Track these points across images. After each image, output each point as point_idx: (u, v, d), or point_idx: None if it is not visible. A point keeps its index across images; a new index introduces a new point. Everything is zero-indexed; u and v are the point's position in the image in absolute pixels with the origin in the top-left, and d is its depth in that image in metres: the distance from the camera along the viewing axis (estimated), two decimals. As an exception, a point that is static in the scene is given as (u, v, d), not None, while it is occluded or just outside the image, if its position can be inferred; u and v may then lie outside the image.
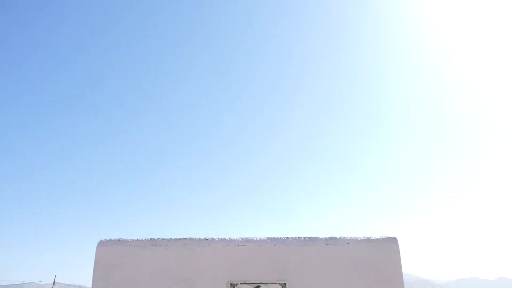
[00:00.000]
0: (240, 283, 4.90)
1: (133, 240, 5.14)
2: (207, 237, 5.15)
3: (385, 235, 5.27)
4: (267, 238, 5.14)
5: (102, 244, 5.13)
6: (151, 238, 5.17)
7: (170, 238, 5.13)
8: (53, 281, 21.71)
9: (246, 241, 5.10)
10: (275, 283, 4.91)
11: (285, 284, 4.90)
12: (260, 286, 4.90)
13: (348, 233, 5.44)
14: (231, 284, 4.90)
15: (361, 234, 5.32)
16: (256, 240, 5.11)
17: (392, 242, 5.16)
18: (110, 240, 5.19)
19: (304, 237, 5.16)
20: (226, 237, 5.13)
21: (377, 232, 6.04)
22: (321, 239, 5.15)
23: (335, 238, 5.16)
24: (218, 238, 5.14)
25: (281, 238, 5.15)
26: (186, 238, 5.13)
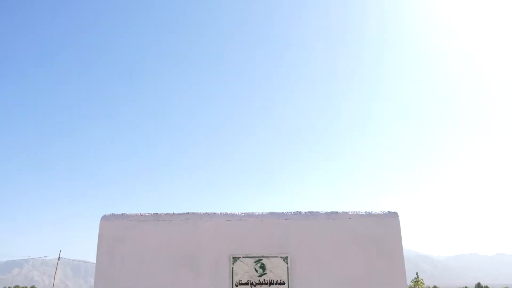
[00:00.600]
0: (242, 257, 4.96)
1: (136, 215, 5.19)
2: (209, 212, 5.20)
3: (386, 210, 5.31)
4: (269, 212, 5.18)
5: (105, 218, 5.18)
6: (154, 213, 5.22)
7: (173, 213, 5.18)
8: (58, 256, 21.97)
9: (248, 215, 5.15)
10: (277, 257, 4.97)
11: (286, 257, 4.97)
12: (262, 259, 4.96)
13: (349, 208, 5.48)
14: (233, 257, 4.96)
15: (362, 209, 5.37)
16: (258, 214, 5.16)
17: (392, 216, 5.20)
18: (113, 215, 5.24)
19: (305, 212, 5.20)
20: (228, 212, 5.17)
21: (378, 208, 6.07)
22: (322, 213, 5.19)
23: (336, 212, 5.20)
24: (220, 213, 5.18)
25: (282, 212, 5.19)
26: (188, 213, 5.17)
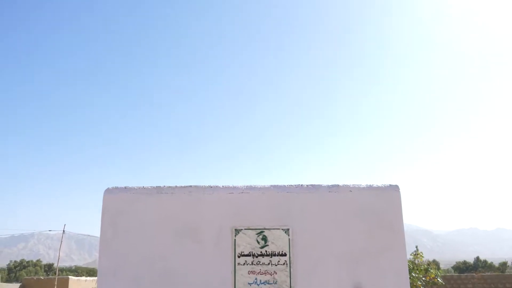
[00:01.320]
0: (244, 229, 5.02)
1: (139, 188, 5.23)
2: (211, 185, 5.23)
3: (387, 183, 5.34)
4: (271, 185, 5.22)
5: (109, 191, 5.23)
6: (156, 186, 5.25)
7: (176, 186, 5.21)
8: (62, 230, 22.25)
9: (250, 188, 5.18)
10: (278, 229, 5.03)
11: (288, 229, 5.03)
12: (263, 231, 5.02)
13: (350, 182, 5.51)
14: (235, 229, 5.02)
15: (363, 183, 5.39)
16: (260, 187, 5.19)
17: (393, 189, 5.23)
18: (116, 188, 5.28)
19: (307, 185, 5.23)
20: (230, 185, 5.21)
21: (380, 182, 6.09)
22: (324, 186, 5.22)
23: (338, 185, 5.23)
24: (223, 186, 5.22)
25: (284, 185, 5.23)
26: (191, 186, 5.21)
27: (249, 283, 4.91)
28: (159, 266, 4.95)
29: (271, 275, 4.93)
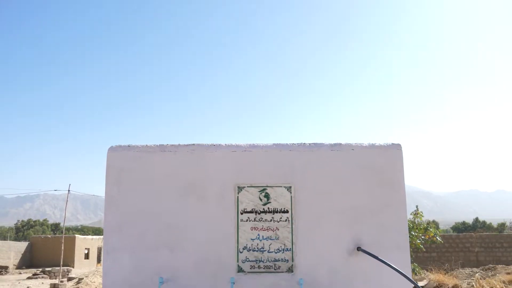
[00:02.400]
0: (247, 186, 5.09)
1: (142, 146, 5.27)
2: (214, 143, 5.26)
3: (389, 142, 5.35)
4: (273, 144, 5.24)
5: (112, 149, 5.26)
6: (160, 144, 5.28)
7: (179, 144, 5.24)
8: (67, 189, 22.55)
9: (253, 147, 5.21)
10: (281, 186, 5.09)
11: (290, 187, 5.09)
12: (266, 188, 5.09)
13: (353, 141, 5.53)
14: (238, 187, 5.09)
15: (365, 141, 5.40)
16: (263, 146, 5.22)
17: (396, 148, 5.25)
18: (120, 146, 5.31)
19: (309, 143, 5.25)
20: (233, 143, 5.23)
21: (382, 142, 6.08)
22: (326, 145, 5.24)
23: (340, 144, 5.25)
24: (225, 144, 5.24)
25: (286, 144, 5.25)
26: (194, 144, 5.24)
27: (251, 239, 5.02)
28: (163, 222, 5.05)
29: (273, 231, 5.04)
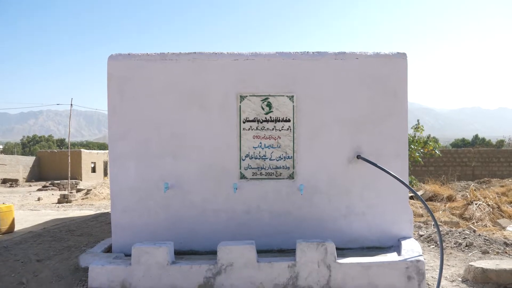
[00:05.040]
0: (249, 95, 5.08)
1: (143, 54, 5.18)
2: (216, 52, 5.16)
3: (394, 51, 5.25)
4: (276, 52, 5.14)
5: (112, 58, 5.19)
6: (160, 53, 5.19)
7: (180, 53, 5.15)
8: (70, 103, 22.59)
9: (255, 55, 5.12)
10: (283, 95, 5.08)
11: (292, 96, 5.08)
12: (268, 98, 5.08)
13: (357, 50, 5.41)
14: (240, 96, 5.08)
15: (370, 50, 5.29)
16: (265, 54, 5.12)
17: (401, 57, 5.16)
18: (120, 55, 5.23)
19: (313, 52, 5.16)
20: (235, 52, 5.14)
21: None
22: (330, 53, 5.14)
23: (344, 53, 5.15)
24: (228, 53, 5.15)
25: (290, 52, 5.15)
26: (195, 53, 5.15)
27: (254, 147, 5.11)
28: (166, 131, 5.11)
29: (275, 139, 5.11)
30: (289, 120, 5.09)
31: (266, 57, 5.10)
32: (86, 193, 18.27)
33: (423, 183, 14.91)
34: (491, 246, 6.10)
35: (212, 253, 4.78)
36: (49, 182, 26.81)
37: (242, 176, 5.13)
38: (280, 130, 5.10)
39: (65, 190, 22.16)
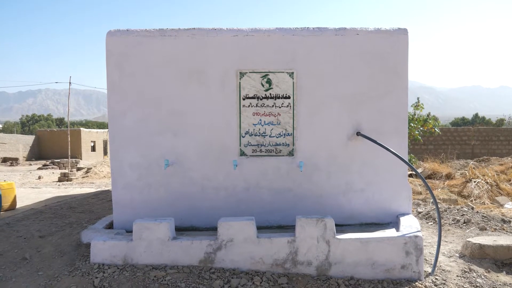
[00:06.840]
0: (249, 72, 5.05)
1: (141, 30, 5.13)
2: (215, 27, 5.11)
3: (395, 27, 5.19)
4: (276, 28, 5.09)
5: (111, 34, 5.13)
6: (159, 29, 5.14)
7: (179, 29, 5.10)
8: (68, 82, 22.43)
9: (255, 31, 5.07)
10: (283, 72, 5.05)
11: (292, 73, 5.05)
12: (268, 74, 5.05)
13: (358, 25, 5.34)
14: (240, 72, 5.05)
15: (371, 26, 5.24)
16: (265, 30, 5.07)
17: (402, 33, 5.10)
18: (119, 31, 5.18)
19: (313, 28, 5.10)
20: (235, 28, 5.09)
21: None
22: (331, 29, 5.09)
23: (345, 28, 5.10)
24: (227, 29, 5.10)
25: (290, 28, 5.10)
26: (194, 28, 5.09)
27: (253, 124, 5.10)
28: (166, 107, 5.10)
29: (275, 116, 5.10)
30: (289, 97, 5.07)
31: (266, 33, 5.05)
32: (87, 172, 18.32)
33: (422, 161, 14.97)
34: (489, 223, 6.16)
35: (212, 229, 4.83)
36: (49, 161, 26.89)
37: (242, 153, 5.14)
38: (280, 107, 5.08)
39: (65, 169, 22.24)
